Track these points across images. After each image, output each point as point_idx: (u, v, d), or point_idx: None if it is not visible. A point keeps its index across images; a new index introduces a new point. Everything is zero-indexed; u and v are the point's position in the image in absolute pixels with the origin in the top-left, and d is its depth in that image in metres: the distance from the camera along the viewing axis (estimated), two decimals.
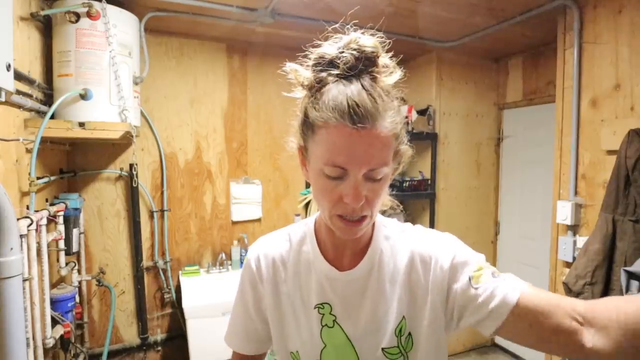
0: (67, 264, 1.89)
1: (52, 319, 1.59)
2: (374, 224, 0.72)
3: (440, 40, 2.65)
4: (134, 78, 1.94)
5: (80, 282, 2.11)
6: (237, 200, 2.68)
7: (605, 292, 1.62)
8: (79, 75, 1.72)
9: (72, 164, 2.23)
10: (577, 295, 1.69)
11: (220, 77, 2.61)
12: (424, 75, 3.00)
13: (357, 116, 0.55)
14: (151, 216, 2.46)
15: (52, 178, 1.81)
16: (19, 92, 1.48)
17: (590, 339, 0.54)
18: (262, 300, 0.75)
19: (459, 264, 0.66)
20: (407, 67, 3.21)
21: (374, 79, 0.60)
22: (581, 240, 1.89)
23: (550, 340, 0.58)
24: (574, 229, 1.99)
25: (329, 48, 0.60)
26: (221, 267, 2.55)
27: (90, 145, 2.26)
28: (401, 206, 0.78)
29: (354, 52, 0.58)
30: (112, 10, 1.77)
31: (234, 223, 2.69)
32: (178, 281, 2.50)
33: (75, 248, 1.94)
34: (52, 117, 1.61)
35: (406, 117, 2.77)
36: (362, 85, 0.58)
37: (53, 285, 1.82)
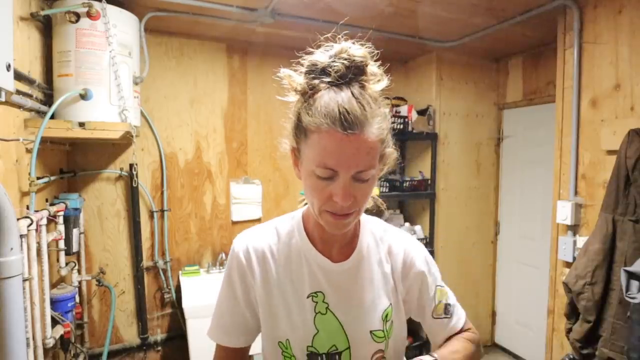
0: (67, 264, 1.89)
1: (52, 319, 1.59)
2: (359, 221, 0.80)
3: (440, 40, 2.64)
4: (134, 78, 1.94)
5: (80, 282, 2.10)
6: (237, 200, 2.68)
7: (605, 292, 1.62)
8: (79, 75, 1.72)
9: (72, 164, 2.23)
10: (578, 295, 1.69)
11: (220, 77, 2.61)
12: (424, 75, 3.00)
13: (347, 122, 0.60)
14: (151, 216, 2.46)
15: (52, 178, 1.81)
16: (19, 92, 1.48)
17: None
18: (252, 292, 0.78)
19: (428, 274, 0.80)
20: (407, 67, 3.21)
21: (362, 87, 0.64)
22: (581, 240, 1.89)
23: None
24: (574, 229, 1.99)
25: (321, 56, 0.65)
26: (221, 267, 2.55)
27: (90, 145, 2.26)
28: (385, 205, 0.84)
29: (345, 62, 0.63)
30: (112, 10, 1.77)
31: (234, 223, 2.69)
32: (178, 281, 2.50)
33: (75, 248, 1.94)
34: (52, 117, 1.61)
35: (406, 117, 2.78)
36: (352, 93, 0.62)
37: (53, 285, 1.82)
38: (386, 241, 0.81)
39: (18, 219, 1.22)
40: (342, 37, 0.66)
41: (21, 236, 1.24)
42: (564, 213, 1.99)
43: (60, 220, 1.78)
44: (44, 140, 1.63)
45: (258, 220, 2.76)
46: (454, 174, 3.02)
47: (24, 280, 1.26)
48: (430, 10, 2.12)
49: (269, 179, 2.79)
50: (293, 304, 0.75)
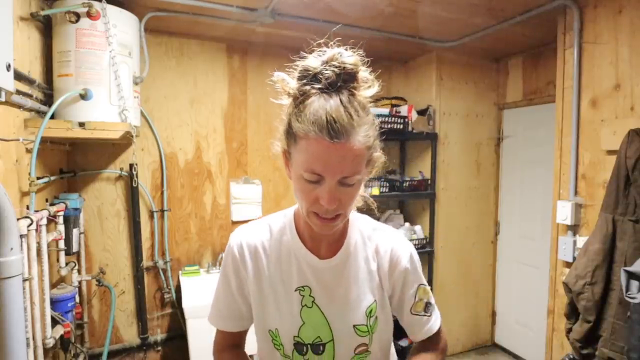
0: (67, 264, 1.89)
1: (52, 319, 1.59)
2: (349, 219, 0.83)
3: (440, 40, 2.64)
4: (134, 78, 1.94)
5: (80, 282, 2.10)
6: (237, 200, 2.68)
7: (606, 292, 1.62)
8: (79, 75, 1.72)
9: (72, 164, 2.23)
10: (578, 295, 1.69)
11: (220, 77, 2.61)
12: (424, 75, 3.00)
13: (333, 131, 0.62)
14: (151, 216, 2.46)
15: (52, 178, 1.81)
16: (19, 92, 1.48)
17: None
18: (245, 284, 0.83)
19: (412, 272, 0.83)
20: (407, 67, 3.21)
21: (352, 94, 0.66)
22: (581, 240, 1.89)
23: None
24: (574, 229, 1.99)
25: (314, 62, 0.66)
26: (221, 266, 2.55)
27: (90, 145, 2.26)
28: (375, 204, 0.85)
29: (336, 69, 0.64)
30: (112, 10, 1.77)
31: (234, 223, 2.69)
32: (178, 281, 2.50)
33: (75, 248, 1.94)
34: (52, 117, 1.61)
35: (406, 117, 2.77)
36: (341, 101, 0.64)
37: (53, 285, 1.82)
38: (374, 239, 0.84)
39: (18, 219, 1.22)
40: (334, 43, 0.67)
41: (21, 236, 1.24)
42: (564, 213, 1.99)
43: (60, 220, 1.78)
44: (44, 140, 1.63)
45: None
46: (454, 174, 3.02)
47: (24, 280, 1.26)
48: (430, 10, 2.12)
49: (269, 179, 2.79)
50: (282, 296, 0.80)
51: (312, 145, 0.64)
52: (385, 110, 2.74)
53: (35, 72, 1.71)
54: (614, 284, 1.59)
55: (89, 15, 1.70)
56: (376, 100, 0.77)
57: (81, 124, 1.69)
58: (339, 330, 0.79)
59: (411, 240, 2.75)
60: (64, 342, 1.68)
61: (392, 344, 0.94)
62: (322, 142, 0.63)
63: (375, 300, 0.81)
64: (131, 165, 2.27)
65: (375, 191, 2.69)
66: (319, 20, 2.22)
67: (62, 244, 1.83)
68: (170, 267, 2.50)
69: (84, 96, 1.71)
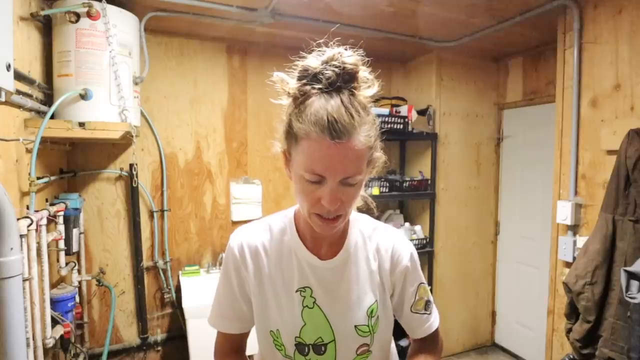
0: (67, 264, 1.89)
1: (52, 319, 1.59)
2: (349, 219, 0.83)
3: (440, 40, 2.64)
4: (134, 78, 1.94)
5: (80, 282, 2.10)
6: (237, 200, 2.68)
7: (606, 292, 1.62)
8: (79, 75, 1.72)
9: (72, 164, 2.23)
10: (578, 295, 1.69)
11: (220, 77, 2.61)
12: (424, 75, 3.00)
13: (335, 132, 0.62)
14: (151, 216, 2.46)
15: (52, 178, 1.81)
16: (19, 92, 1.48)
17: None
18: (246, 284, 0.82)
19: (412, 271, 0.83)
20: (407, 67, 3.21)
21: (353, 94, 0.66)
22: (581, 240, 1.89)
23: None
24: (574, 229, 1.99)
25: (313, 61, 0.66)
26: (221, 267, 2.55)
27: (90, 145, 2.26)
28: (374, 203, 0.85)
29: (336, 69, 0.64)
30: (112, 10, 1.77)
31: (234, 223, 2.69)
32: (178, 281, 2.50)
33: (75, 248, 1.94)
34: (52, 117, 1.61)
35: (406, 117, 2.77)
36: (342, 101, 0.64)
37: (53, 285, 1.82)
38: (374, 239, 0.84)
39: (18, 219, 1.22)
40: (334, 43, 0.67)
41: (21, 236, 1.24)
42: (564, 213, 1.99)
43: (60, 220, 1.78)
44: (44, 140, 1.63)
45: None
46: (454, 174, 3.02)
47: (24, 280, 1.26)
48: (430, 10, 2.12)
49: (269, 179, 2.79)
50: (283, 297, 0.80)
51: (313, 145, 0.64)
52: (385, 110, 2.74)
53: (35, 72, 1.71)
54: (614, 284, 1.60)
55: (89, 15, 1.70)
56: (376, 100, 0.77)
57: (81, 124, 1.69)
58: (340, 330, 0.79)
59: (411, 240, 2.75)
60: (64, 342, 1.68)
61: (393, 344, 0.94)
62: (323, 142, 0.63)
63: (376, 300, 0.81)
64: (131, 165, 2.27)
65: (375, 191, 2.69)
66: (319, 20, 2.22)
67: (62, 244, 1.83)
68: (170, 267, 2.49)
69: (84, 96, 1.71)
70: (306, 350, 0.79)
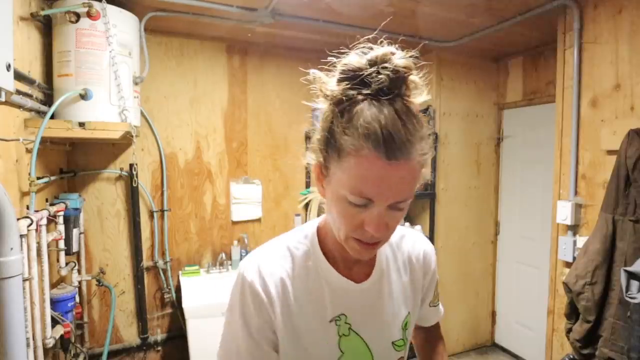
0: (67, 264, 1.89)
1: (52, 319, 1.59)
2: None
3: (440, 40, 2.64)
4: (134, 78, 1.94)
5: (80, 282, 2.10)
6: (237, 200, 2.68)
7: (606, 292, 1.62)
8: (79, 75, 1.72)
9: (72, 164, 2.23)
10: (578, 295, 1.69)
11: (220, 77, 2.61)
12: (424, 75, 3.00)
13: (391, 150, 0.53)
14: (151, 216, 2.46)
15: (52, 178, 1.81)
16: (19, 92, 1.48)
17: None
18: (272, 325, 0.68)
19: (436, 272, 0.83)
20: None
21: (406, 103, 0.57)
22: (581, 240, 1.89)
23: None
24: (574, 229, 1.99)
25: (358, 60, 0.57)
26: (221, 267, 2.55)
27: (90, 145, 2.26)
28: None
29: (389, 73, 0.55)
30: (112, 10, 1.77)
31: (234, 223, 2.69)
32: (178, 281, 2.50)
33: (75, 248, 1.94)
34: (52, 117, 1.61)
35: None
36: (396, 112, 0.55)
37: (53, 285, 1.82)
38: (403, 248, 0.79)
39: (18, 219, 1.22)
40: (383, 40, 0.58)
41: (21, 236, 1.24)
42: (564, 213, 1.99)
43: (60, 220, 1.78)
44: (44, 140, 1.63)
45: (258, 221, 2.76)
46: (454, 174, 3.02)
47: (24, 280, 1.26)
48: (430, 10, 2.12)
49: (269, 179, 2.79)
50: (316, 330, 0.70)
51: (363, 165, 0.54)
52: None
53: (35, 72, 1.71)
54: (614, 284, 1.59)
55: (89, 15, 1.70)
56: None
57: (81, 124, 1.69)
58: (378, 350, 0.73)
59: None
60: (64, 342, 1.68)
61: None
62: (376, 162, 0.53)
63: (409, 312, 0.78)
64: (131, 165, 2.27)
65: None
66: (319, 20, 2.22)
67: (62, 244, 1.83)
68: (170, 267, 2.49)
69: (84, 96, 1.71)
70: None
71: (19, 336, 1.16)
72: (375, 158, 0.53)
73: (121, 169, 2.35)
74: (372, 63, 0.56)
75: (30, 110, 1.61)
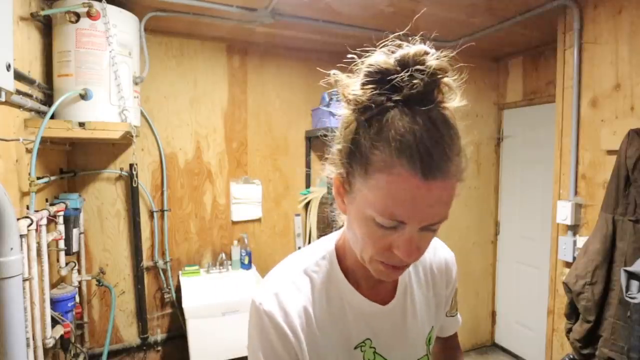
0: (67, 264, 1.89)
1: (52, 319, 1.59)
2: None
3: (440, 40, 2.64)
4: (134, 78, 1.94)
5: (80, 282, 2.10)
6: (237, 200, 2.68)
7: (605, 292, 1.62)
8: (79, 75, 1.72)
9: (72, 164, 2.23)
10: (578, 295, 1.69)
11: (220, 77, 2.61)
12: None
13: (427, 167, 0.47)
14: (151, 216, 2.46)
15: (52, 178, 1.81)
16: (19, 92, 1.48)
17: None
18: (297, 357, 0.61)
19: (455, 282, 0.79)
20: None
21: (442, 110, 0.51)
22: (581, 240, 1.89)
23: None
24: (574, 229, 1.99)
25: (386, 61, 0.50)
26: (221, 267, 2.55)
27: (90, 145, 2.26)
28: None
29: (423, 77, 0.48)
30: (112, 10, 1.77)
31: (234, 223, 2.69)
32: (178, 281, 2.50)
33: (75, 248, 1.94)
34: (52, 117, 1.61)
35: None
36: (432, 122, 0.49)
37: (53, 285, 1.82)
38: (425, 259, 0.73)
39: (18, 219, 1.22)
40: (417, 38, 0.52)
41: (21, 236, 1.23)
42: (564, 213, 1.99)
43: (60, 220, 1.78)
44: (44, 140, 1.63)
45: (258, 221, 2.76)
46: None
47: (24, 280, 1.26)
48: (430, 10, 2.12)
49: (269, 179, 2.79)
50: (341, 357, 0.64)
51: (395, 183, 0.48)
52: None
53: (35, 72, 1.71)
54: (614, 284, 1.59)
55: (89, 15, 1.70)
56: None
57: (81, 124, 1.69)
58: None
59: None
60: (64, 342, 1.68)
61: None
62: (411, 182, 0.47)
63: (432, 327, 0.74)
64: (131, 165, 2.28)
65: None
66: (319, 20, 2.22)
67: (62, 244, 1.83)
68: (170, 267, 2.49)
69: (84, 96, 1.71)
70: None
71: (19, 336, 1.16)
72: (410, 176, 0.47)
73: (121, 169, 2.35)
74: (403, 64, 0.49)
75: (30, 110, 1.61)
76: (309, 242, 2.76)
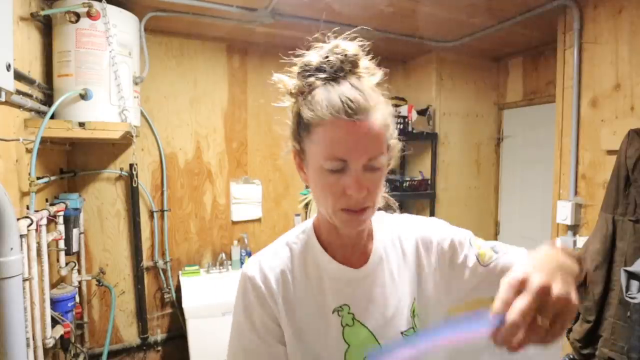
0: (67, 264, 1.89)
1: (52, 319, 1.59)
2: (371, 221, 0.76)
3: (440, 40, 2.64)
4: (134, 78, 1.94)
5: (80, 282, 2.10)
6: (237, 200, 2.68)
7: (606, 292, 1.62)
8: (79, 75, 1.72)
9: (72, 164, 2.23)
10: None
11: (220, 77, 2.61)
12: (424, 75, 3.00)
13: (351, 110, 0.59)
14: (151, 216, 2.46)
15: (52, 178, 1.81)
16: (19, 92, 1.48)
17: None
18: (275, 315, 0.69)
19: (458, 244, 0.76)
20: (407, 67, 3.21)
21: (359, 79, 0.64)
22: (581, 240, 1.89)
23: None
24: (574, 229, 1.99)
25: (313, 56, 0.65)
26: (221, 267, 2.55)
27: (90, 145, 2.26)
28: (397, 204, 0.82)
29: (339, 56, 0.62)
30: (112, 10, 1.77)
31: (234, 223, 2.69)
32: (178, 281, 2.50)
33: (75, 248, 1.94)
34: (52, 117, 1.61)
35: (406, 117, 2.77)
36: (351, 84, 0.62)
37: (53, 285, 1.82)
38: (403, 234, 0.78)
39: (18, 219, 1.22)
40: (331, 35, 0.66)
41: (21, 236, 1.24)
42: (564, 213, 1.99)
43: (60, 220, 1.78)
44: (44, 140, 1.63)
45: (258, 221, 2.76)
46: (454, 174, 3.02)
47: (24, 280, 1.26)
48: (430, 10, 2.12)
49: (269, 179, 2.79)
50: (319, 322, 0.70)
51: (329, 129, 0.60)
52: None
53: (35, 72, 1.71)
54: (614, 284, 1.59)
55: (89, 15, 1.70)
56: None
57: (81, 124, 1.69)
58: (387, 341, 0.71)
59: None
60: (64, 342, 1.68)
61: None
62: (340, 123, 0.59)
63: (414, 298, 0.74)
64: (131, 165, 2.27)
65: None
66: (319, 20, 2.22)
67: (62, 244, 1.83)
68: (170, 267, 2.49)
69: (84, 96, 1.71)
70: None
71: (19, 336, 1.16)
72: (339, 120, 0.59)
73: (121, 169, 2.35)
74: (324, 54, 0.64)
75: (30, 110, 1.61)
76: None
